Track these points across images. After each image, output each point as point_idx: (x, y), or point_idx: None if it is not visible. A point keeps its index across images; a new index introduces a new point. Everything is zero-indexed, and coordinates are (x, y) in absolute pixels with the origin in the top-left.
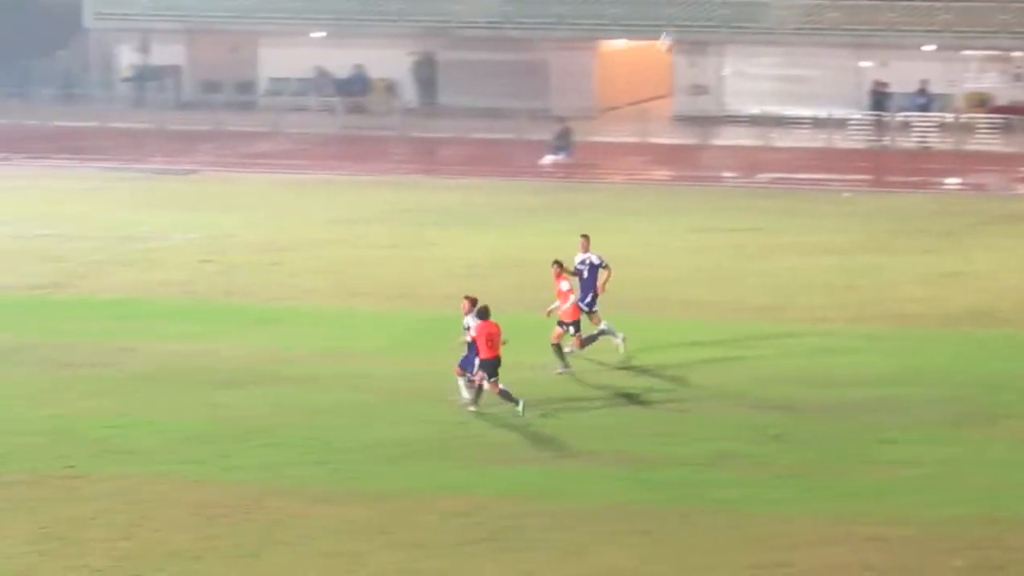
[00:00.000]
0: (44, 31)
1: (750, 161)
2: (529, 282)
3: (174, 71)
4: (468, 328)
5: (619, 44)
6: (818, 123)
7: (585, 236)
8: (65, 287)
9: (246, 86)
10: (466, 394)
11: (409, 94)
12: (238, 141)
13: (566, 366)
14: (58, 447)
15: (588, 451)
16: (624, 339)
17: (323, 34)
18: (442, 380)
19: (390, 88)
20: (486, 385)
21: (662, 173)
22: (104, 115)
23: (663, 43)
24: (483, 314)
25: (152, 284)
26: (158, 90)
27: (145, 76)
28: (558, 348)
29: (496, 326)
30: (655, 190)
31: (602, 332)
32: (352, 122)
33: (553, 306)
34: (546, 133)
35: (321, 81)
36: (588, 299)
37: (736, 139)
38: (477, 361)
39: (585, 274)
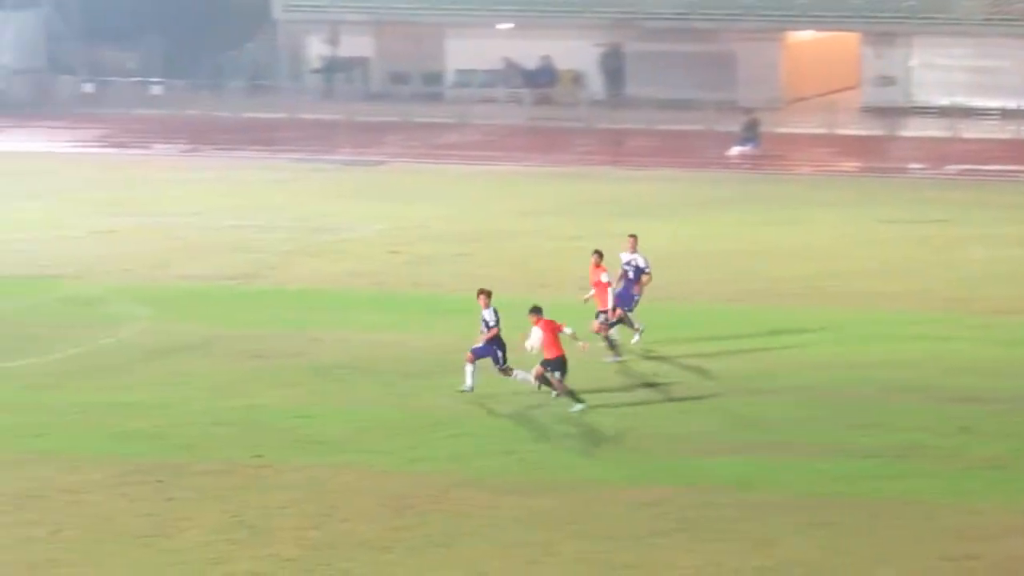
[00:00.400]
0: (233, 24)
1: (938, 152)
2: (718, 273)
3: (362, 63)
4: (487, 322)
5: (806, 35)
6: (1007, 114)
7: (633, 236)
8: (256, 278)
9: (433, 77)
10: (469, 381)
11: (596, 85)
12: (426, 132)
13: (617, 355)
14: (248, 437)
15: (777, 442)
16: (640, 331)
17: (510, 25)
18: (628, 371)
19: (577, 79)
20: (545, 380)
21: (850, 164)
22: (293, 107)
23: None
24: (538, 311)
25: (341, 275)
26: (346, 81)
27: (333, 68)
28: (606, 338)
29: (554, 322)
30: (843, 181)
31: (614, 324)
32: (539, 113)
33: (589, 294)
34: (733, 124)
35: (509, 72)
36: (633, 300)
37: (924, 130)
38: (541, 360)
39: (630, 275)
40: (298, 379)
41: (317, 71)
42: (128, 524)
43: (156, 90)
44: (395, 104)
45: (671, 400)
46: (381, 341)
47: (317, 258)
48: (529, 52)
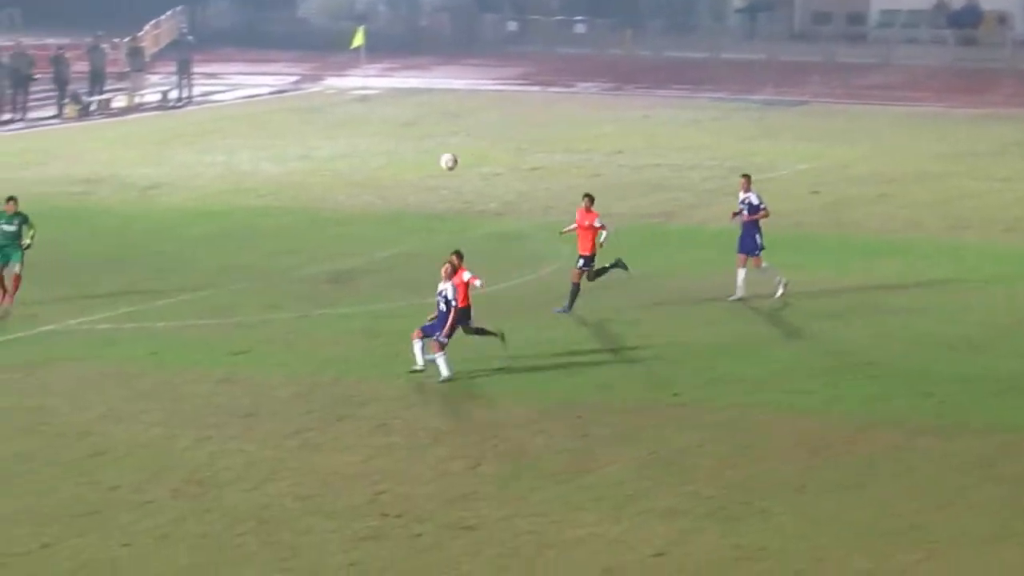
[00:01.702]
0: None
1: None
2: None
3: (786, 3)
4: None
5: None
6: None
7: (746, 176)
8: (676, 217)
9: (857, 18)
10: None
11: (1022, 26)
12: (848, 73)
13: (566, 309)
14: (665, 375)
15: None
16: (784, 284)
17: None
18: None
19: (1003, 20)
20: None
21: None
22: (715, 46)
23: None
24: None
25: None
26: (769, 22)
27: (756, 7)
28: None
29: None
30: None
31: (731, 278)
32: (963, 54)
33: (570, 227)
34: None
35: (934, 13)
36: (757, 242)
37: None
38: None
39: (745, 214)
40: (717, 318)
41: (740, 10)
42: (546, 459)
43: (579, 29)
44: (818, 44)
45: None
46: (800, 281)
47: (738, 197)
48: None
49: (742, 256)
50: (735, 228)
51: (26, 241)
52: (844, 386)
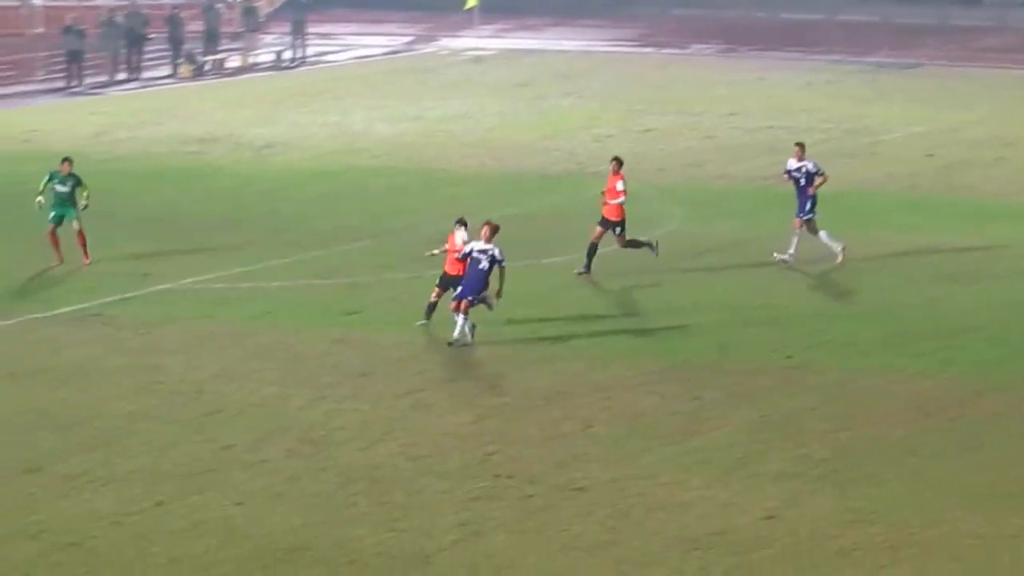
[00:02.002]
0: None
1: None
2: None
3: None
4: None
5: None
6: None
7: (800, 144)
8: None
9: None
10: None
11: None
12: (963, 36)
13: (586, 269)
14: (777, 338)
15: None
16: (843, 249)
17: None
18: None
19: None
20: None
21: None
22: (830, 7)
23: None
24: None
25: (876, 177)
26: None
27: None
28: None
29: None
30: None
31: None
32: None
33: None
34: None
35: None
36: (807, 207)
37: None
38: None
39: (802, 181)
40: (829, 281)
41: None
42: (657, 421)
43: None
44: (932, 6)
45: None
46: (914, 243)
47: (851, 160)
48: None
49: (799, 219)
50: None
51: (82, 202)
52: (956, 349)
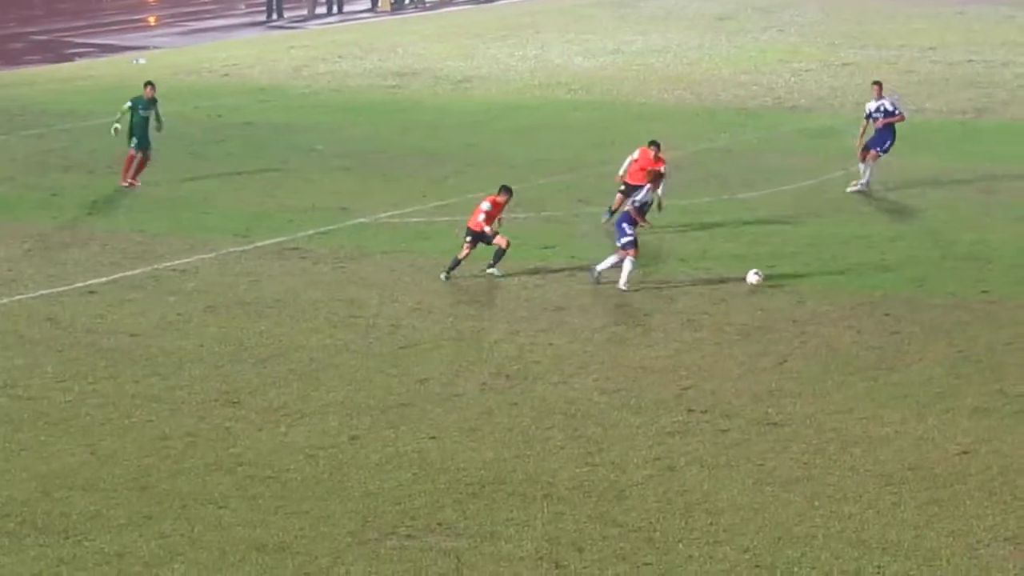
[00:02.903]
0: None
1: None
2: None
3: None
4: None
5: None
6: None
7: (878, 83)
8: (989, 113)
9: None
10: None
11: None
12: None
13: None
14: (977, 272)
15: None
16: (865, 184)
17: None
18: None
19: None
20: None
21: None
22: None
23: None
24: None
25: None
26: None
27: None
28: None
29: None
30: None
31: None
32: None
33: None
34: None
35: None
36: (887, 144)
37: None
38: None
39: (879, 122)
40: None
41: None
42: (854, 356)
43: None
44: None
45: None
46: None
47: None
48: None
49: (875, 151)
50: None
51: (159, 126)
52: None
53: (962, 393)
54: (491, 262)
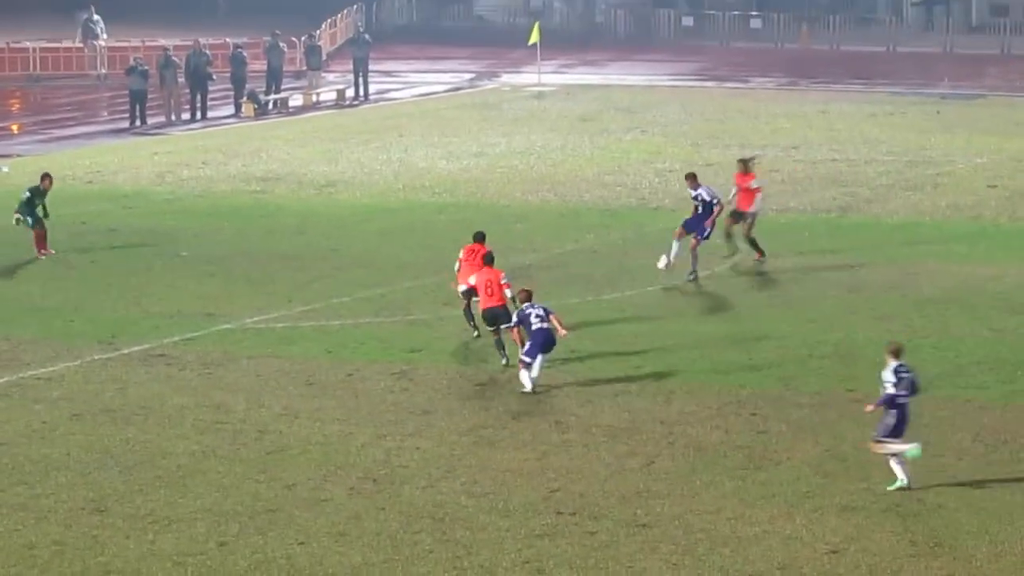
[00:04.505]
0: None
1: None
2: None
3: None
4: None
5: None
6: None
7: (691, 175)
8: (852, 211)
9: None
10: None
11: None
12: None
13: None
14: (844, 369)
15: None
16: (667, 266)
17: None
18: None
19: None
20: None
21: None
22: (891, 39)
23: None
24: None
25: (939, 208)
26: (946, 14)
27: (933, 0)
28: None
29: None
30: None
31: None
32: None
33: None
34: None
35: None
36: (707, 232)
37: None
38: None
39: (699, 209)
40: (894, 312)
41: (917, 3)
42: (722, 456)
43: (755, 23)
44: (995, 36)
45: None
46: (978, 274)
47: (914, 191)
48: None
49: (694, 239)
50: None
51: (45, 213)
52: (1022, 381)
53: (830, 491)
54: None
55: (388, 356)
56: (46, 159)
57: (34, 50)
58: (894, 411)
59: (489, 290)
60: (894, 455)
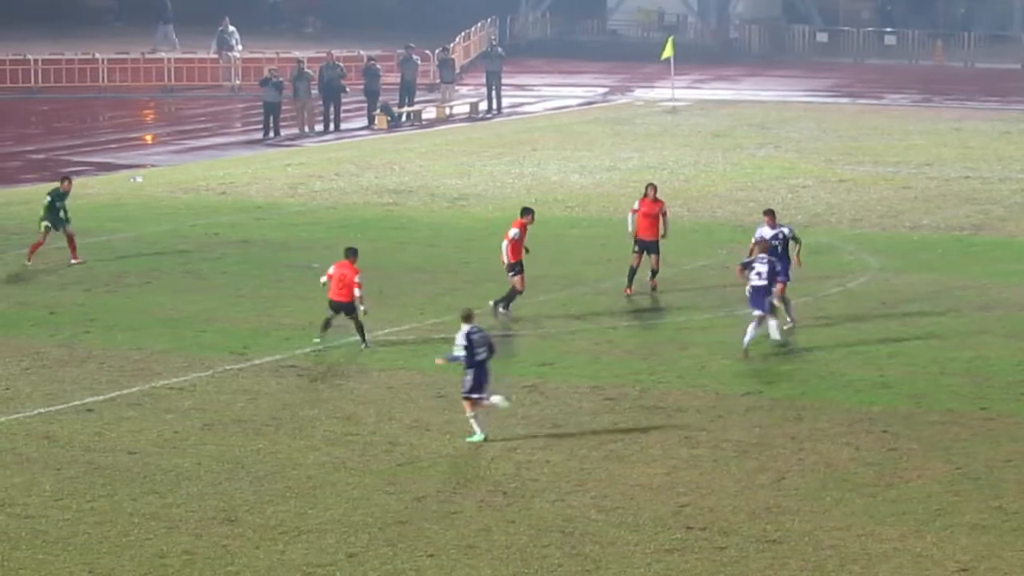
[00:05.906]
0: None
1: None
2: None
3: None
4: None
5: None
6: None
7: (770, 211)
8: (985, 229)
9: None
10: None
11: None
12: None
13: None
14: (975, 389)
15: None
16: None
17: None
18: None
19: None
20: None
21: None
22: None
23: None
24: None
25: None
26: None
27: None
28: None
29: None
30: None
31: None
32: None
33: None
34: None
35: None
36: (788, 273)
37: None
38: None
39: (779, 248)
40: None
41: None
42: (852, 472)
43: (889, 40)
44: None
45: None
46: None
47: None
48: None
49: (781, 285)
50: None
51: (67, 218)
52: None
53: (961, 510)
54: (504, 302)
55: (519, 370)
56: (179, 170)
57: (168, 61)
58: (471, 369)
59: None
60: (474, 416)
